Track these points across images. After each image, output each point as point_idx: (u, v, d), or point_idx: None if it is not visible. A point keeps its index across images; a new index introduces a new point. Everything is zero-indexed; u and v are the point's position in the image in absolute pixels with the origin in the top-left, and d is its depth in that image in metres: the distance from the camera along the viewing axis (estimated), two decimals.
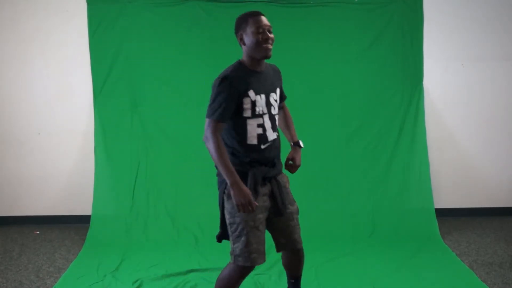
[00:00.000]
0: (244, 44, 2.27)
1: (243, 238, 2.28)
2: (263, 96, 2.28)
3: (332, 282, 3.08)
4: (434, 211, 4.02)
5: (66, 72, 4.15)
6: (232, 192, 2.18)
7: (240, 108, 2.23)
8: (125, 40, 4.04)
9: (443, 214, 4.22)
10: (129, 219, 3.96)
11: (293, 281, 2.65)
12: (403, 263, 3.34)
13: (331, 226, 3.90)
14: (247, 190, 2.17)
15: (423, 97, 4.15)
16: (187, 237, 3.84)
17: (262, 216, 2.31)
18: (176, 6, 4.03)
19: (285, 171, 2.53)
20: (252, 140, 2.27)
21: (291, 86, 3.24)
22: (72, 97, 4.17)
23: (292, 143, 2.54)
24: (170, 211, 4.01)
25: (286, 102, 2.64)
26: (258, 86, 2.27)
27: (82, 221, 4.16)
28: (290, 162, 2.49)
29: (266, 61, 2.38)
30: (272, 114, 2.33)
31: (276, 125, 2.38)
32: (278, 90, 2.41)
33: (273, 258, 3.26)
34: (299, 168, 2.54)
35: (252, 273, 3.19)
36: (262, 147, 2.30)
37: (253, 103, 2.24)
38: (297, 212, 2.47)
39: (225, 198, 2.34)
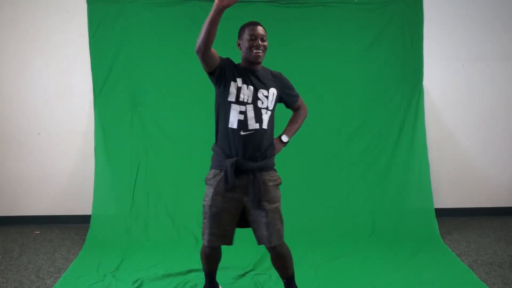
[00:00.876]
0: (240, 49, 2.55)
1: (205, 221, 2.54)
2: (250, 87, 2.49)
3: (332, 282, 3.08)
4: (434, 211, 4.02)
5: (66, 72, 4.15)
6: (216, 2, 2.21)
7: (226, 91, 2.46)
8: (125, 40, 4.04)
9: (443, 214, 4.23)
10: (129, 219, 3.96)
11: (284, 281, 2.72)
12: (403, 263, 3.34)
13: (331, 226, 3.90)
14: None
15: (423, 97, 4.15)
16: (187, 237, 3.84)
17: (228, 206, 2.50)
18: (176, 6, 4.03)
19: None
20: (233, 124, 2.47)
21: None
22: (72, 97, 4.17)
23: (279, 136, 2.70)
24: (170, 211, 4.01)
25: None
26: (248, 79, 2.50)
27: (82, 221, 4.16)
28: None
29: (272, 68, 2.66)
30: (258, 107, 2.50)
31: (261, 118, 2.50)
32: (272, 90, 2.57)
33: None
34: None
35: (252, 273, 3.20)
36: (242, 133, 2.46)
37: (238, 89, 2.46)
38: (276, 212, 2.53)
39: (206, 183, 2.58)
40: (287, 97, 2.69)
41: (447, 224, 4.15)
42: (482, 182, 4.34)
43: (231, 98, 2.46)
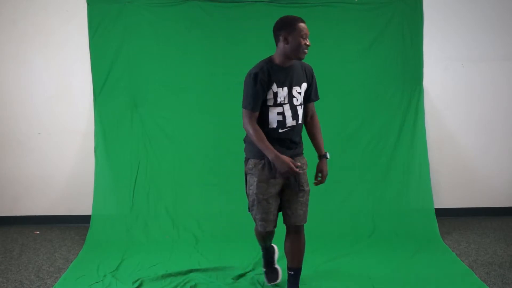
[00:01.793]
0: (287, 43, 2.54)
1: (255, 208, 2.68)
2: (285, 88, 2.60)
3: (332, 282, 3.08)
4: (434, 211, 4.02)
5: (66, 72, 4.15)
6: (276, 164, 2.53)
7: (264, 98, 2.58)
8: (125, 40, 4.04)
9: (443, 214, 4.22)
10: (129, 219, 3.96)
11: (292, 273, 2.78)
12: (403, 263, 3.34)
13: (331, 226, 3.90)
14: (286, 159, 2.52)
15: (423, 97, 4.15)
16: (187, 237, 3.84)
17: (273, 191, 2.64)
18: (176, 6, 4.03)
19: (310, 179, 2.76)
20: (272, 124, 2.62)
21: None
22: (72, 97, 4.17)
23: (320, 155, 2.79)
24: (170, 211, 4.01)
25: None
26: (282, 80, 2.59)
27: (82, 221, 4.16)
28: (319, 174, 2.76)
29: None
30: (294, 104, 2.64)
31: (297, 114, 2.66)
32: (304, 85, 2.70)
33: None
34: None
35: (252, 273, 3.20)
36: (280, 131, 2.63)
37: (275, 94, 2.58)
38: (308, 194, 2.73)
39: (247, 173, 2.73)
40: (311, 92, 2.77)
41: (447, 224, 4.15)
42: (482, 182, 4.33)
43: (269, 102, 2.59)
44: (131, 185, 4.05)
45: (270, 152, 2.52)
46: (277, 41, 2.60)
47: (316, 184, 2.77)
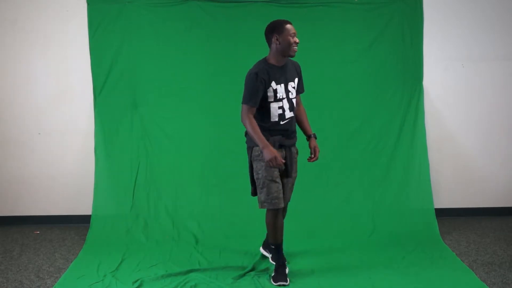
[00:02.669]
0: (279, 44, 2.89)
1: (265, 189, 2.96)
2: (282, 85, 2.96)
3: (332, 282, 3.08)
4: (434, 211, 4.02)
5: (66, 72, 4.15)
6: (264, 153, 2.86)
7: (265, 95, 2.92)
8: (125, 40, 4.04)
9: (443, 214, 4.22)
10: (129, 219, 3.97)
11: (273, 247, 3.16)
12: (403, 263, 3.34)
13: (331, 226, 3.90)
14: (274, 150, 2.86)
15: (423, 97, 4.15)
16: (187, 237, 3.84)
17: (277, 173, 2.98)
18: (176, 6, 4.03)
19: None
20: (274, 118, 2.97)
21: None
22: (72, 97, 4.17)
23: (309, 135, 3.15)
24: (170, 211, 4.01)
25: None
26: (279, 78, 2.95)
27: (82, 221, 4.16)
28: (313, 151, 3.10)
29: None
30: (290, 98, 3.00)
31: (293, 106, 3.04)
32: (296, 80, 3.06)
33: None
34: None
35: (252, 273, 3.20)
36: (282, 123, 2.99)
37: (275, 91, 2.94)
38: (295, 179, 3.17)
39: (253, 160, 3.02)
40: (298, 85, 3.10)
41: (447, 224, 4.15)
42: (482, 182, 4.33)
43: (271, 99, 2.94)
44: (131, 185, 4.05)
45: (262, 141, 2.86)
46: (269, 43, 2.95)
47: (310, 160, 3.09)
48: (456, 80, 4.22)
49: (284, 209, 3.23)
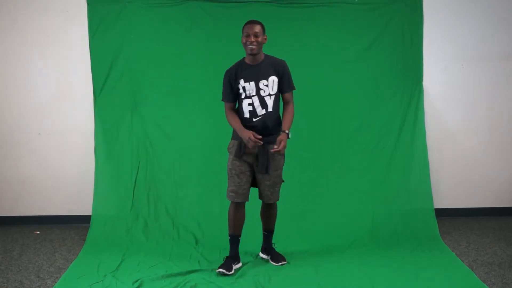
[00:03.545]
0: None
1: (228, 181, 3.17)
2: (252, 82, 3.09)
3: (332, 282, 3.08)
4: (433, 211, 4.02)
5: (66, 72, 4.15)
6: (241, 136, 3.03)
7: (238, 92, 3.12)
8: (125, 40, 4.04)
9: (443, 214, 4.22)
10: (129, 219, 3.97)
11: (265, 233, 3.40)
12: (403, 263, 3.34)
13: (331, 226, 3.90)
14: (249, 131, 3.02)
15: (422, 97, 4.15)
16: (187, 237, 3.84)
17: (243, 168, 3.13)
18: (176, 6, 4.03)
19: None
20: (246, 114, 3.13)
21: None
22: (72, 97, 4.17)
23: (282, 131, 3.11)
24: (170, 211, 4.01)
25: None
26: (248, 76, 3.09)
27: (82, 221, 4.16)
28: (278, 142, 3.05)
29: (279, 56, 3.21)
30: (261, 95, 3.10)
31: (265, 103, 3.10)
32: (271, 78, 3.11)
33: None
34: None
35: (253, 273, 3.20)
36: (254, 120, 3.11)
37: (243, 88, 3.10)
38: (277, 177, 3.20)
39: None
40: (282, 84, 3.15)
41: (447, 224, 4.15)
42: (482, 182, 4.33)
43: (242, 96, 3.12)
44: (131, 185, 4.05)
45: (238, 127, 3.07)
46: None
47: (272, 151, 3.03)
48: (456, 80, 4.22)
49: (271, 206, 3.30)
